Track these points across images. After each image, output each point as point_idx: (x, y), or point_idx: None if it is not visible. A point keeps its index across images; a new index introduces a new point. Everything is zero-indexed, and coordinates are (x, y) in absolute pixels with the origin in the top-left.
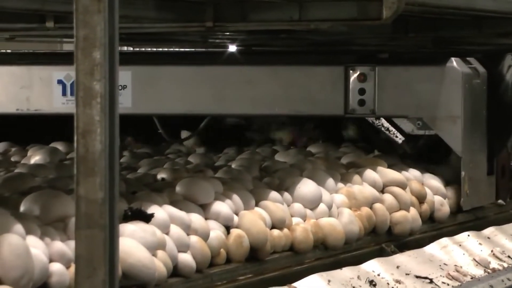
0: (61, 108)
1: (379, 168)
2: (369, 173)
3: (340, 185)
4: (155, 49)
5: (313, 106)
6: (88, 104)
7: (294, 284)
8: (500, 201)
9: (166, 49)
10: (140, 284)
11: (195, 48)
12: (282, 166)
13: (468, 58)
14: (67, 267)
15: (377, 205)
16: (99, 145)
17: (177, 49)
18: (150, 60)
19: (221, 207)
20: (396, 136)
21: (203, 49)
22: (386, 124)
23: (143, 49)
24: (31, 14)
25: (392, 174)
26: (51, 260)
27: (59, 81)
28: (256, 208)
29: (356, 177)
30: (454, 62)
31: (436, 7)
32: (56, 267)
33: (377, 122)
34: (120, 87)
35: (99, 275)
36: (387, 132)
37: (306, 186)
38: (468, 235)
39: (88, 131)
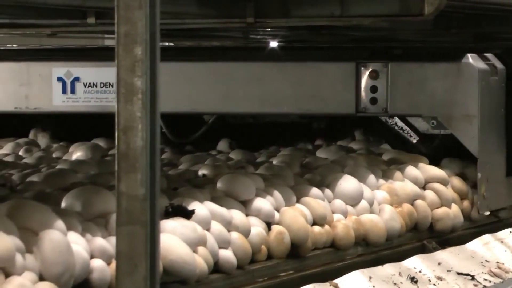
0: (61, 107)
1: (420, 164)
2: (410, 169)
3: (382, 181)
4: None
5: (323, 105)
6: (130, 101)
7: (335, 281)
8: None
9: (170, 44)
10: (181, 280)
11: (236, 44)
12: (323, 162)
13: (485, 54)
14: (108, 263)
15: (419, 202)
16: (140, 142)
17: (181, 45)
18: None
19: (262, 203)
20: (411, 136)
21: (209, 45)
22: (400, 123)
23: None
24: (73, 10)
25: (433, 170)
26: (92, 257)
27: (59, 78)
28: (297, 205)
29: (398, 174)
30: (470, 58)
31: (477, 2)
32: (97, 263)
33: (390, 121)
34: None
35: (140, 271)
36: (400, 132)
37: (347, 183)
38: (510, 232)
39: (130, 128)
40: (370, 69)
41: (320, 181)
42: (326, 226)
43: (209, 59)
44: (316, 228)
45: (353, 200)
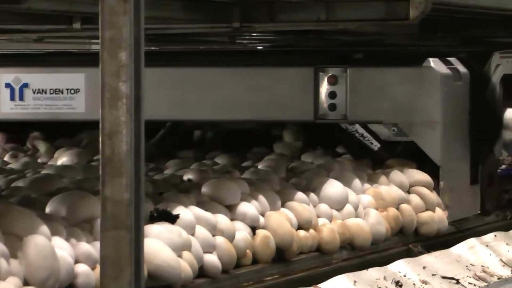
0: (10, 114)
1: (405, 169)
2: (395, 174)
3: (367, 185)
4: None
5: (281, 111)
6: (114, 105)
7: (320, 285)
8: None
9: None
10: (166, 285)
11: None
12: (309, 167)
13: (449, 58)
14: (93, 268)
15: (404, 206)
16: (125, 146)
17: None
18: None
19: (248, 208)
20: (372, 143)
21: (164, 49)
22: (361, 130)
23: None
24: (59, 15)
25: (418, 174)
26: (77, 261)
27: (7, 85)
28: (282, 209)
29: (383, 178)
30: (432, 62)
31: (464, 6)
32: (82, 268)
33: (350, 127)
34: (72, 91)
35: (124, 276)
36: (361, 139)
37: (333, 187)
38: (495, 236)
39: (114, 132)
40: (329, 74)
41: (306, 186)
42: (312, 231)
43: (161, 64)
44: (302, 233)
45: (339, 204)
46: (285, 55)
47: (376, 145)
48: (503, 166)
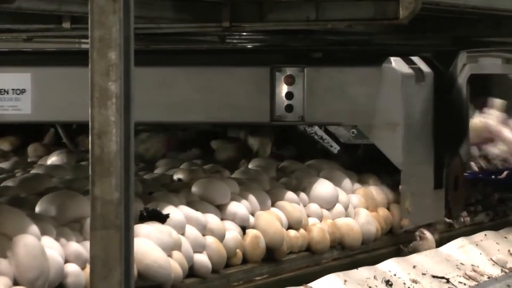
0: None
1: None
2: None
3: (357, 185)
4: (55, 48)
5: (235, 113)
6: (104, 105)
7: (311, 284)
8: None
9: (74, 48)
10: (156, 285)
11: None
12: (299, 166)
13: (412, 57)
14: (83, 268)
15: (394, 206)
16: (114, 146)
17: (85, 48)
18: (52, 61)
19: (238, 207)
20: (331, 146)
21: None
22: (320, 132)
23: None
24: (48, 15)
25: None
26: (66, 261)
27: None
28: (273, 209)
29: (373, 178)
30: (393, 62)
31: (453, 6)
32: (72, 268)
33: (309, 129)
34: (18, 92)
35: (114, 276)
36: (320, 141)
37: (323, 187)
38: (485, 235)
39: (104, 132)
40: (286, 74)
41: (296, 185)
42: (302, 230)
43: None
44: (292, 232)
45: (329, 204)
46: (241, 54)
47: (336, 148)
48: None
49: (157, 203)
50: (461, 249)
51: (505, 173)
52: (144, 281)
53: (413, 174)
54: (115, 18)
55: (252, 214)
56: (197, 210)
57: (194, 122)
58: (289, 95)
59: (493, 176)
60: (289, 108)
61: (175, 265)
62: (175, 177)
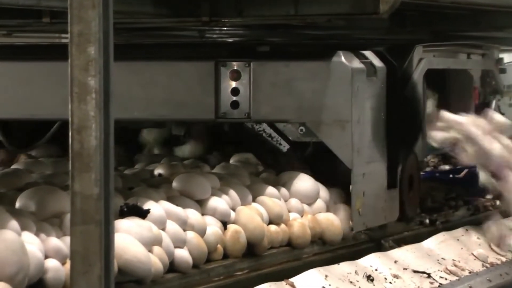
0: None
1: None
2: None
3: None
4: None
5: (179, 109)
6: (83, 100)
7: (292, 279)
8: None
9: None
10: (136, 280)
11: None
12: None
13: (363, 52)
14: (63, 263)
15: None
16: (94, 141)
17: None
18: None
19: (218, 202)
20: (280, 144)
21: (50, 42)
22: (269, 130)
23: None
24: (27, 10)
25: None
26: (46, 256)
27: None
28: (253, 204)
29: None
30: (342, 56)
31: (433, 0)
32: (52, 263)
33: (257, 127)
34: None
35: (94, 271)
36: (269, 139)
37: (303, 182)
38: (467, 230)
39: (83, 127)
40: (231, 69)
41: (276, 180)
42: (282, 225)
43: (48, 58)
44: (272, 227)
45: (309, 199)
46: (184, 48)
47: (285, 146)
48: (428, 169)
49: (137, 198)
50: (442, 244)
51: (463, 172)
52: (124, 276)
53: (365, 173)
54: (94, 12)
55: (233, 209)
56: (177, 205)
57: (135, 119)
58: (234, 91)
59: (451, 175)
60: (234, 104)
61: (155, 260)
62: (156, 172)
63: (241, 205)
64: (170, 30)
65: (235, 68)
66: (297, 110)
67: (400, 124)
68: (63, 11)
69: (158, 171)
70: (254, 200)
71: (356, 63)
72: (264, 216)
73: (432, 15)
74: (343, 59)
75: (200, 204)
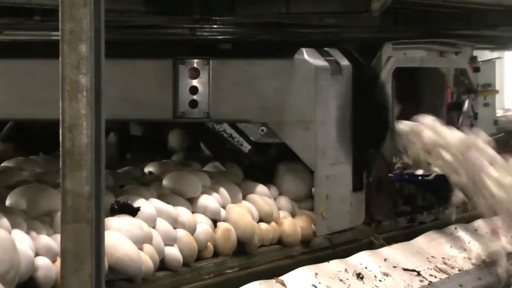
0: None
1: None
2: None
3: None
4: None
5: (136, 109)
6: (75, 98)
7: (282, 277)
8: None
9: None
10: (127, 278)
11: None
12: None
13: (328, 49)
14: (53, 261)
15: None
16: (85, 139)
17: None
18: None
19: (209, 200)
20: (242, 144)
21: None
22: (230, 130)
23: None
24: (19, 8)
25: None
26: (37, 254)
27: None
28: (244, 202)
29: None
30: (305, 53)
31: None
32: (43, 261)
33: (218, 127)
34: None
35: (85, 269)
36: (230, 139)
37: (293, 180)
38: (456, 228)
39: (75, 125)
40: (190, 67)
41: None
42: (273, 223)
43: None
44: (263, 225)
45: (299, 197)
46: (143, 46)
47: (247, 147)
48: (397, 171)
49: (128, 196)
50: (431, 242)
51: (433, 174)
52: (115, 274)
53: (329, 176)
54: (86, 11)
55: (223, 207)
56: (168, 203)
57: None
58: (193, 90)
59: (420, 177)
60: (193, 103)
61: (146, 258)
62: (146, 170)
63: (232, 203)
64: (161, 28)
65: (194, 66)
66: (259, 109)
67: (367, 125)
68: (54, 9)
69: (148, 169)
70: (244, 198)
71: (320, 61)
72: (254, 214)
73: (423, 14)
74: (306, 56)
75: (191, 202)
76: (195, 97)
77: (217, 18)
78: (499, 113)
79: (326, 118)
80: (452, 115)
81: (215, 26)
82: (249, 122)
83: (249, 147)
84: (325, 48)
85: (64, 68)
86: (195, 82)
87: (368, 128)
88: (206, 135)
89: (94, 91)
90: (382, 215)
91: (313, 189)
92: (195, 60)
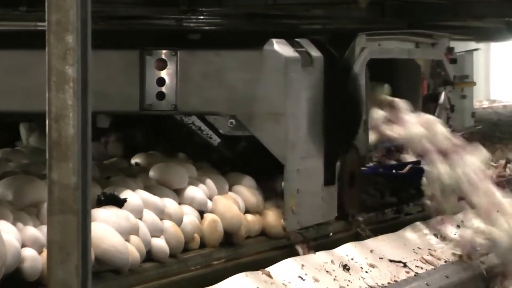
0: None
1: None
2: None
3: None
4: None
5: (102, 101)
6: (61, 89)
7: (268, 269)
8: None
9: None
10: (114, 269)
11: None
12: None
13: (299, 40)
14: (40, 252)
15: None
16: (72, 130)
17: None
18: None
19: (195, 192)
20: (211, 137)
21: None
22: (198, 123)
23: None
24: None
25: None
26: (23, 246)
27: None
28: (230, 193)
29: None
30: (275, 44)
31: None
32: (29, 252)
33: (186, 119)
34: None
35: (72, 260)
36: (199, 132)
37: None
38: (442, 219)
39: (61, 116)
40: (157, 58)
41: None
42: (258, 215)
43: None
44: (249, 217)
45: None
46: (110, 36)
47: (216, 140)
48: (371, 164)
49: (114, 188)
50: (418, 234)
51: (408, 167)
52: (101, 265)
53: (299, 169)
54: (72, 1)
55: (210, 199)
56: (154, 194)
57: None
58: (160, 81)
59: (394, 171)
60: (160, 95)
61: (132, 249)
62: (133, 161)
63: (218, 195)
64: (147, 19)
65: (161, 57)
66: (228, 101)
67: (339, 117)
68: (40, 0)
69: (135, 160)
70: (231, 189)
71: (290, 52)
72: (241, 205)
73: (410, 5)
74: (276, 47)
75: (178, 194)
76: (162, 89)
77: (203, 9)
78: (485, 104)
79: (296, 110)
80: (428, 107)
81: (202, 17)
82: (217, 114)
83: (218, 140)
84: (296, 39)
85: (50, 59)
86: (162, 74)
87: (340, 121)
88: (174, 128)
89: (81, 82)
90: (354, 210)
91: (282, 183)
92: (163, 51)
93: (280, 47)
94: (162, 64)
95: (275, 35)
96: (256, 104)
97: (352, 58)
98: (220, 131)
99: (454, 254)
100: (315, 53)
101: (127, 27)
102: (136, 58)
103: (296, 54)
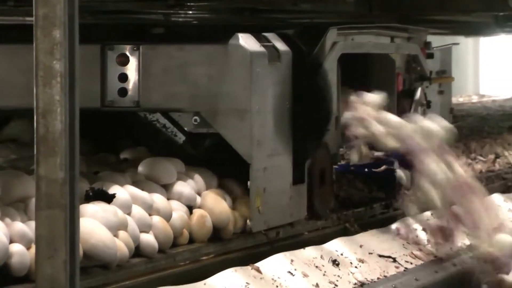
0: None
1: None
2: None
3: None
4: None
5: None
6: (48, 84)
7: (257, 264)
8: None
9: None
10: (102, 265)
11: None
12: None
13: (266, 34)
14: (28, 247)
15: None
16: (59, 125)
17: None
18: None
19: (184, 187)
20: (176, 135)
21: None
22: (163, 120)
23: None
24: None
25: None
26: (11, 241)
27: None
28: (219, 188)
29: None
30: (241, 38)
31: None
32: (17, 247)
33: (150, 116)
34: None
35: (60, 255)
36: (163, 130)
37: None
38: (431, 214)
39: (48, 111)
40: (119, 53)
41: None
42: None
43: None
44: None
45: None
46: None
47: (181, 138)
48: (342, 162)
49: (102, 183)
50: (407, 229)
51: (383, 167)
52: (89, 260)
53: (266, 168)
54: None
55: (199, 194)
56: (143, 189)
57: (13, 107)
58: (122, 77)
59: (366, 169)
60: (122, 91)
61: (121, 244)
62: (121, 156)
63: (207, 190)
64: (135, 14)
65: (123, 52)
66: (191, 98)
67: (308, 114)
68: None
69: (123, 155)
70: (219, 184)
71: (256, 47)
72: (229, 200)
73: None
74: (241, 41)
75: (166, 189)
76: (124, 85)
77: (191, 3)
78: (474, 99)
79: (262, 107)
80: (403, 103)
81: (190, 12)
82: (181, 111)
83: (183, 137)
84: (264, 33)
85: (38, 54)
86: (124, 69)
87: (309, 118)
88: (139, 125)
89: (68, 77)
90: (325, 210)
91: (248, 182)
92: (124, 46)
93: (245, 41)
94: (124, 59)
95: (264, 29)
96: (220, 100)
97: (323, 53)
98: (185, 129)
99: (428, 241)
100: (282, 47)
101: (91, 21)
102: (98, 53)
103: (262, 49)
